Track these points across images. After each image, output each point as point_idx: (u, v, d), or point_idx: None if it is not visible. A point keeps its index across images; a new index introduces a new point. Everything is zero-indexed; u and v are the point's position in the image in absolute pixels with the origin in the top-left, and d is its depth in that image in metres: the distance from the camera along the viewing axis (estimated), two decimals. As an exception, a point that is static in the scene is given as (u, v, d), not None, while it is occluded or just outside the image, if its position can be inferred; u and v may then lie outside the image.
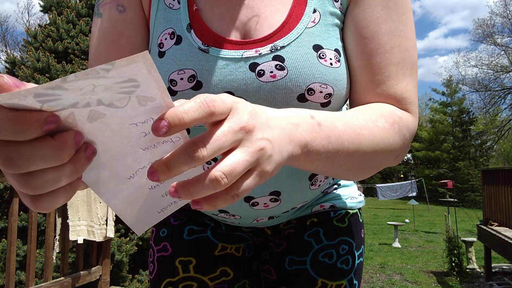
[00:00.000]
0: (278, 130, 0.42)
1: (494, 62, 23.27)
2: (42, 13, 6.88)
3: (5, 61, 4.87)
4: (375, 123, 0.55)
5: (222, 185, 0.35)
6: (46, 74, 4.47)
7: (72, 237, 2.75)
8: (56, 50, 4.68)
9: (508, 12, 22.85)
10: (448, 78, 27.15)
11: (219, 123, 0.37)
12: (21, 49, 5.25)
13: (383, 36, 0.61)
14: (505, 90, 22.62)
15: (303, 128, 0.45)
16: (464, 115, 26.32)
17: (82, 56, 4.68)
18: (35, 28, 4.97)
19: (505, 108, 23.75)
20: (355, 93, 0.64)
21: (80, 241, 2.79)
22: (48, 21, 5.00)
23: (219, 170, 0.35)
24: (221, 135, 0.36)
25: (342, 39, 0.64)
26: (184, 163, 0.34)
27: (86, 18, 4.92)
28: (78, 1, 5.10)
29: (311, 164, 0.48)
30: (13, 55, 4.83)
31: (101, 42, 0.68)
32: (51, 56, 4.53)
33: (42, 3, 5.18)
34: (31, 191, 0.33)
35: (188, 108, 0.34)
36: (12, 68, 4.82)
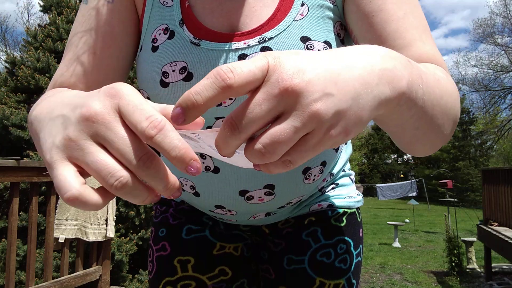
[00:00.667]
0: (356, 72, 0.33)
1: (494, 62, 23.28)
2: (42, 13, 6.88)
3: (5, 61, 4.87)
4: (437, 74, 0.48)
5: (266, 158, 0.31)
6: (46, 74, 4.47)
7: (55, 234, 2.77)
8: (56, 50, 4.68)
9: (508, 12, 22.86)
10: (448, 78, 27.10)
11: (256, 89, 0.31)
12: (21, 49, 5.25)
13: (391, 5, 0.58)
14: (505, 90, 22.62)
15: (400, 61, 0.37)
16: (464, 115, 26.31)
17: (82, 56, 4.68)
18: (35, 28, 4.97)
19: (505, 108, 23.78)
20: None
21: (62, 240, 2.81)
22: (48, 21, 5.00)
23: (259, 142, 0.31)
24: (255, 106, 0.30)
25: (347, 28, 0.65)
26: (224, 148, 0.32)
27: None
28: (78, 1, 5.10)
29: (404, 114, 0.40)
30: (13, 55, 4.83)
31: (83, 26, 0.68)
32: (51, 56, 4.53)
33: (42, 3, 5.18)
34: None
35: (200, 87, 0.30)
36: (12, 68, 4.82)
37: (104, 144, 0.32)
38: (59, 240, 2.81)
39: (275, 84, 0.30)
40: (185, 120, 0.31)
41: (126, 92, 0.33)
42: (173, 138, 0.31)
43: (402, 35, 0.57)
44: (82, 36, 0.68)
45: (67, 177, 0.32)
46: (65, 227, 2.81)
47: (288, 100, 0.30)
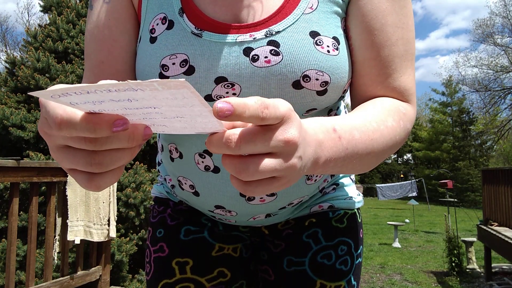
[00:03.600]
0: (310, 148, 0.43)
1: (494, 62, 23.25)
2: (42, 13, 6.88)
3: (5, 61, 4.87)
4: (385, 124, 0.57)
5: (242, 175, 0.37)
6: (46, 74, 4.47)
7: (70, 237, 2.76)
8: (56, 50, 4.68)
9: (508, 12, 22.83)
10: (448, 78, 27.17)
11: (267, 125, 0.37)
12: (21, 49, 5.25)
13: (389, 28, 0.62)
14: (505, 90, 22.59)
15: (326, 145, 0.46)
16: (464, 115, 26.34)
17: (82, 56, 4.68)
18: (35, 28, 4.96)
19: (505, 108, 23.75)
20: (361, 85, 0.65)
21: (77, 241, 2.80)
22: (48, 21, 4.99)
23: (250, 168, 0.36)
24: (265, 139, 0.36)
25: (346, 30, 0.64)
26: (221, 149, 0.36)
27: (86, 18, 4.91)
28: (78, 1, 5.09)
29: (323, 172, 0.50)
30: (13, 55, 4.82)
31: (91, 36, 0.68)
32: (51, 56, 4.52)
33: (42, 3, 5.17)
34: (98, 169, 0.36)
35: (250, 104, 0.34)
36: (12, 68, 4.82)
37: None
38: (75, 242, 2.81)
39: (284, 133, 0.37)
40: (227, 118, 0.34)
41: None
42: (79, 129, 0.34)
43: (389, 64, 0.63)
44: (90, 46, 0.68)
45: None
46: (77, 228, 2.80)
47: (285, 148, 0.38)
